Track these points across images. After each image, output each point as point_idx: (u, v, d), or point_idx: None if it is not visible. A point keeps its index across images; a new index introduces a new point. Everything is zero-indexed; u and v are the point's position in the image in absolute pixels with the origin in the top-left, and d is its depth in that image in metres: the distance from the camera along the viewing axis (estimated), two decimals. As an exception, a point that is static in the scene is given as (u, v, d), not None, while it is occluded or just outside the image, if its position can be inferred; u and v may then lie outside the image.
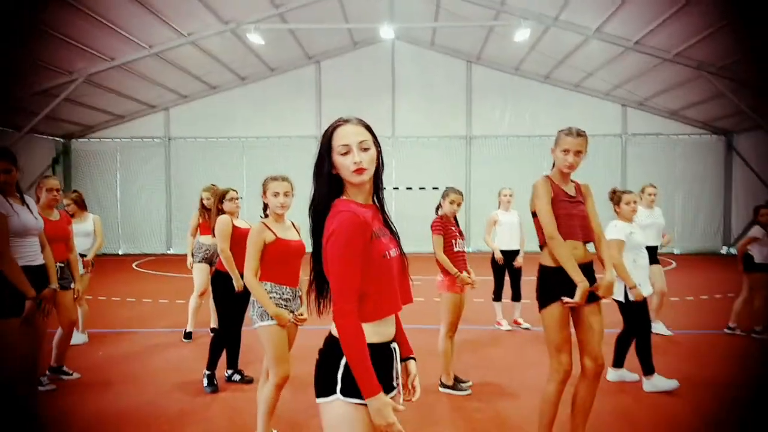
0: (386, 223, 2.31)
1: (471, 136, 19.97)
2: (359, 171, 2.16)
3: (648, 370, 5.46)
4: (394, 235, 2.30)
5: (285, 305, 3.97)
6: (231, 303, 5.44)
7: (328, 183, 2.24)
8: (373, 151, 2.20)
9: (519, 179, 17.45)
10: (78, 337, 7.00)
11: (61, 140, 19.86)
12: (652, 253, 7.19)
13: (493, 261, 8.04)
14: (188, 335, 7.45)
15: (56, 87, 15.02)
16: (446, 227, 5.46)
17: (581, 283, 3.58)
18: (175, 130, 20.25)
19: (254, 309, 3.95)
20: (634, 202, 5.63)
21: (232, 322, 5.50)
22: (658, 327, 7.60)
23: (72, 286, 5.58)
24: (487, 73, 19.72)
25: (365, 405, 2.07)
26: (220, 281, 5.52)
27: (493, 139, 19.82)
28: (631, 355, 5.63)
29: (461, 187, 18.96)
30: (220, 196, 5.71)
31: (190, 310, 7.42)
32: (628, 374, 5.73)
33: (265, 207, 4.18)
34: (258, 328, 3.92)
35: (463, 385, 5.41)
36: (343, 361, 2.10)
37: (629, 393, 5.41)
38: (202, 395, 5.36)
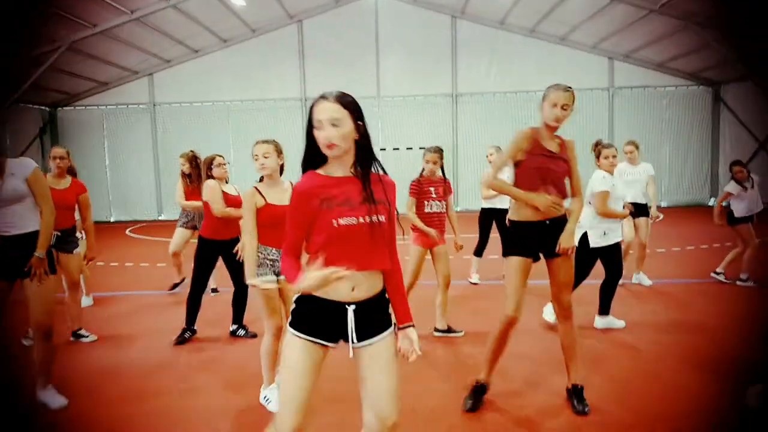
0: (365, 192, 2.44)
1: (457, 93, 19.87)
2: (329, 146, 2.37)
3: (604, 310, 5.90)
4: (371, 203, 2.44)
5: (271, 265, 4.18)
6: (207, 266, 5.82)
7: (312, 151, 2.46)
8: (346, 128, 2.37)
9: (507, 136, 17.56)
10: (83, 301, 7.18)
11: (47, 109, 19.76)
12: (641, 208, 7.45)
13: (481, 219, 8.17)
14: (175, 286, 8.12)
15: (41, 55, 14.89)
16: (421, 189, 5.70)
17: (539, 198, 3.82)
18: (159, 96, 20.12)
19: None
20: (613, 156, 5.85)
21: (237, 281, 5.80)
22: (640, 278, 7.86)
23: (76, 251, 5.89)
24: (471, 27, 19.50)
25: (307, 340, 2.46)
26: (203, 246, 5.79)
27: (479, 96, 19.72)
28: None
29: (448, 145, 19.12)
30: (208, 163, 5.82)
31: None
32: (615, 321, 5.95)
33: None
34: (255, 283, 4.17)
35: (456, 332, 5.83)
36: (294, 299, 2.51)
37: (610, 337, 5.65)
38: (213, 348, 5.68)
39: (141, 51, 18.00)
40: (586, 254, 5.71)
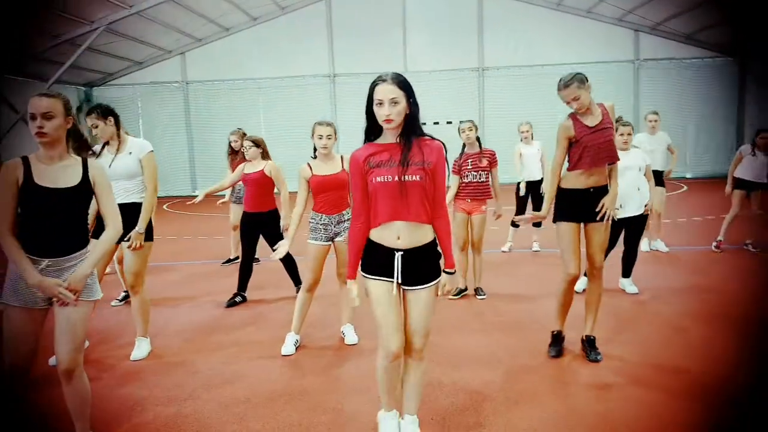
0: (404, 155, 2.85)
1: (483, 67, 20.12)
2: (387, 121, 2.83)
3: (625, 273, 6.36)
4: (405, 165, 2.84)
5: (324, 229, 4.79)
6: (252, 237, 6.38)
7: (371, 124, 2.95)
8: (402, 105, 2.83)
9: (533, 109, 17.89)
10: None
11: (83, 89, 20.40)
12: (658, 176, 7.70)
13: (517, 190, 8.49)
14: (228, 261, 8.58)
15: (78, 37, 15.43)
16: (461, 167, 6.20)
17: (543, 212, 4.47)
18: (192, 74, 20.66)
19: None
20: (629, 134, 6.17)
21: (252, 253, 6.45)
22: (657, 245, 8.22)
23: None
24: (497, 2, 19.69)
25: (374, 279, 2.97)
26: (245, 220, 6.42)
27: (505, 69, 19.95)
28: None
29: (474, 119, 19.36)
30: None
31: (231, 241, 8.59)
32: (630, 286, 6.33)
33: (315, 148, 4.83)
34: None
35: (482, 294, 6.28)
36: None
37: (633, 300, 6.08)
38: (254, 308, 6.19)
39: (174, 30, 18.49)
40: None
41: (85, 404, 3.15)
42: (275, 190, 6.37)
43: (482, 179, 6.15)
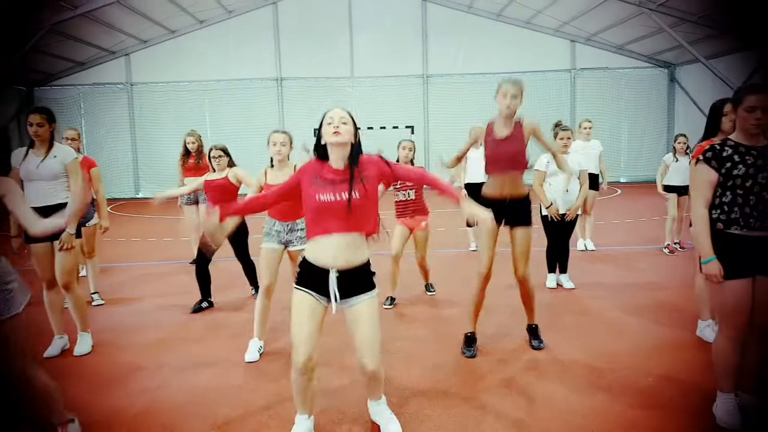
0: (351, 181, 3.07)
1: (427, 74, 20.66)
2: (336, 133, 3.05)
3: (550, 269, 6.82)
4: (352, 186, 3.05)
5: (276, 235, 4.88)
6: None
7: (319, 146, 3.18)
8: (350, 127, 3.10)
9: (477, 115, 18.34)
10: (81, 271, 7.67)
11: (24, 89, 20.01)
12: (592, 179, 8.20)
13: (466, 192, 8.86)
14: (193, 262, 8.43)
15: (22, 36, 15.21)
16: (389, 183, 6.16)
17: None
18: (137, 76, 20.51)
19: None
20: (568, 138, 6.73)
21: (242, 255, 6.53)
22: (586, 243, 8.79)
23: (91, 222, 6.55)
24: (440, 11, 20.28)
25: (305, 292, 3.14)
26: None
27: (448, 77, 20.53)
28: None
29: (419, 124, 19.90)
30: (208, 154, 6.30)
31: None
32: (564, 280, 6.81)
33: (272, 158, 4.94)
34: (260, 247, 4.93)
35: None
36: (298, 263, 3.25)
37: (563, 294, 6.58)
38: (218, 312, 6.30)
39: (118, 31, 18.37)
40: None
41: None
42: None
43: (411, 196, 6.18)
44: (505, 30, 20.23)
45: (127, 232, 12.39)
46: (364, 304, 3.16)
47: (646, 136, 20.85)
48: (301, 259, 3.22)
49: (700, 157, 3.40)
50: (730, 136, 3.42)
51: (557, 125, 6.91)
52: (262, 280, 4.84)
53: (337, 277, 3.10)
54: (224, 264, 7.81)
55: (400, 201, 6.25)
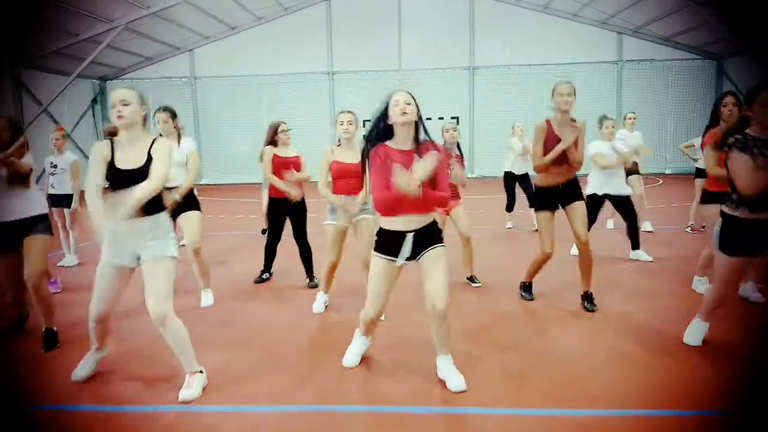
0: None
1: (474, 66, 21.26)
2: (403, 113, 3.38)
3: (634, 245, 7.38)
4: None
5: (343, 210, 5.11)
6: (277, 222, 6.51)
7: (379, 125, 3.51)
8: (414, 107, 3.41)
9: (522, 106, 19.04)
10: (69, 259, 7.92)
11: (98, 82, 21.64)
12: (635, 166, 8.75)
13: (506, 180, 9.65)
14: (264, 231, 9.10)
15: (98, 35, 16.63)
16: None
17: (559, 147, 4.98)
18: (199, 70, 21.90)
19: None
20: (613, 126, 7.37)
21: (300, 239, 6.47)
22: (645, 225, 9.23)
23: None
24: (488, 4, 20.81)
25: (382, 259, 3.57)
26: (271, 205, 6.55)
27: (494, 69, 21.07)
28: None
29: (465, 116, 20.50)
30: (274, 129, 6.42)
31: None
32: (643, 255, 7.36)
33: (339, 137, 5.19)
34: (324, 225, 5.25)
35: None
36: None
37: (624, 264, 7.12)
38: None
39: (184, 28, 19.72)
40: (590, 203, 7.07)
41: (184, 342, 3.57)
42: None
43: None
44: (551, 22, 20.59)
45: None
46: (436, 251, 3.52)
47: (693, 129, 20.76)
48: (378, 229, 3.61)
49: (735, 146, 3.69)
50: (747, 131, 3.73)
51: (601, 118, 7.50)
52: (328, 256, 5.23)
53: (413, 236, 3.50)
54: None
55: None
